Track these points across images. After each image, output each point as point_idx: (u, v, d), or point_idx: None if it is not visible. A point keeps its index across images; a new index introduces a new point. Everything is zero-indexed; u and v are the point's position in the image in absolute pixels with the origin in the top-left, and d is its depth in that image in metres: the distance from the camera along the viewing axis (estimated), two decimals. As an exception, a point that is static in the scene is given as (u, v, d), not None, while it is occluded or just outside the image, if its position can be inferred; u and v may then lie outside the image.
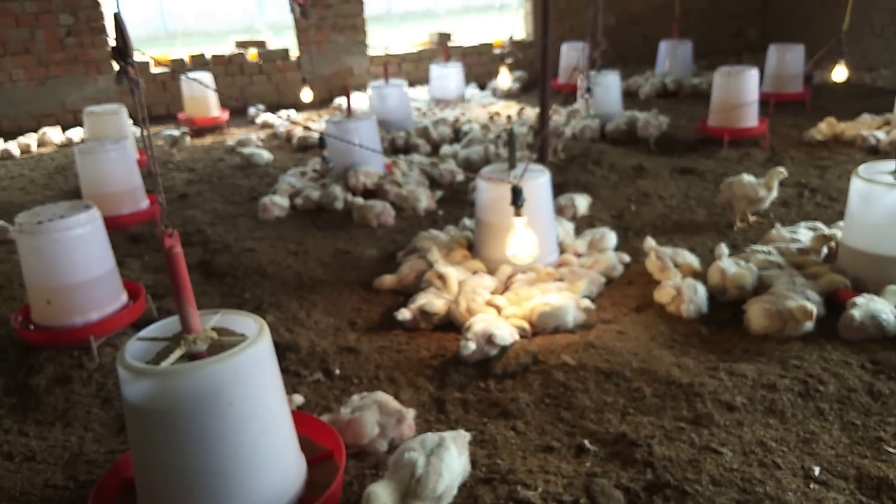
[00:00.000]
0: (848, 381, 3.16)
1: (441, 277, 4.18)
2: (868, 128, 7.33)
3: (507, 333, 3.61)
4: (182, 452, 2.24)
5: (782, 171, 5.09)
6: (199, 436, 2.22)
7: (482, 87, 12.37)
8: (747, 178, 5.14)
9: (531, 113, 9.68)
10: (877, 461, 2.68)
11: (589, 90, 7.59)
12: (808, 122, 8.00)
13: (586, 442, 2.89)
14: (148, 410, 2.23)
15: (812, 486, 2.56)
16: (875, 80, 10.42)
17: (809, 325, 3.57)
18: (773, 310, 3.60)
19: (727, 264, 4.08)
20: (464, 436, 2.70)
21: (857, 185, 3.96)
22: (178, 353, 2.31)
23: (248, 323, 2.50)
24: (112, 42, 2.02)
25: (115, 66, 2.12)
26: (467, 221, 5.32)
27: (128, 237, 5.69)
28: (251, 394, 2.30)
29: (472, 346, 3.51)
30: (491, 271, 4.42)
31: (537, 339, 3.76)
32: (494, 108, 10.42)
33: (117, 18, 2.04)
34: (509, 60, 11.58)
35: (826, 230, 4.62)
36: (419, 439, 2.55)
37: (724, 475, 2.62)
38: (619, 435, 2.91)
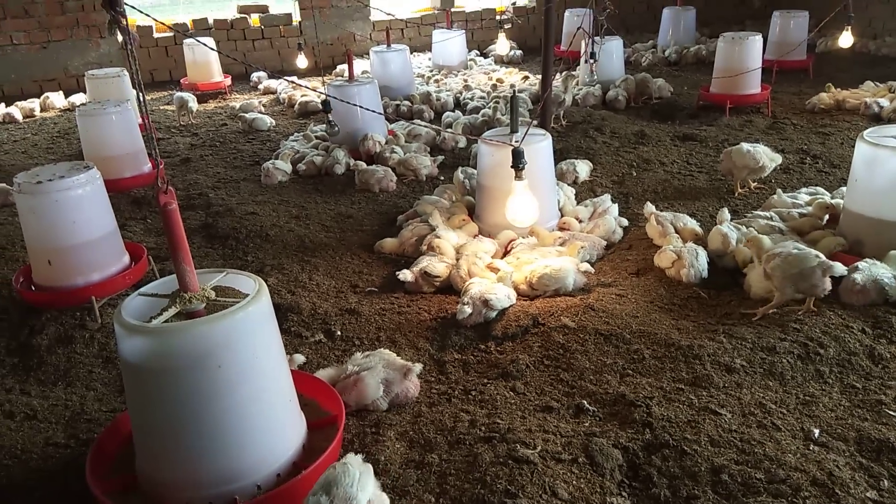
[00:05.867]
0: (849, 345, 3.16)
1: (432, 248, 4.18)
2: (871, 95, 7.26)
3: (503, 296, 3.63)
4: (171, 410, 2.23)
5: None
6: (188, 395, 2.20)
7: (484, 54, 12.22)
8: (746, 146, 5.09)
9: (535, 81, 9.58)
10: (877, 424, 2.69)
11: (593, 55, 7.48)
12: (810, 89, 7.92)
13: (585, 402, 2.90)
14: (139, 367, 2.22)
15: (812, 447, 2.57)
16: (880, 47, 10.28)
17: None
18: (775, 274, 3.59)
19: (728, 229, 4.06)
20: (356, 459, 2.07)
21: (861, 149, 3.92)
22: (171, 312, 2.28)
23: (250, 284, 2.48)
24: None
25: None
26: (461, 173, 5.38)
27: (130, 200, 5.67)
28: (242, 357, 2.26)
29: (468, 309, 3.52)
30: (491, 236, 4.42)
31: (537, 301, 3.76)
32: (497, 75, 10.30)
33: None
34: (507, 26, 11.42)
35: (828, 196, 4.59)
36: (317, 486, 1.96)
37: (722, 436, 2.63)
38: (617, 395, 2.92)
